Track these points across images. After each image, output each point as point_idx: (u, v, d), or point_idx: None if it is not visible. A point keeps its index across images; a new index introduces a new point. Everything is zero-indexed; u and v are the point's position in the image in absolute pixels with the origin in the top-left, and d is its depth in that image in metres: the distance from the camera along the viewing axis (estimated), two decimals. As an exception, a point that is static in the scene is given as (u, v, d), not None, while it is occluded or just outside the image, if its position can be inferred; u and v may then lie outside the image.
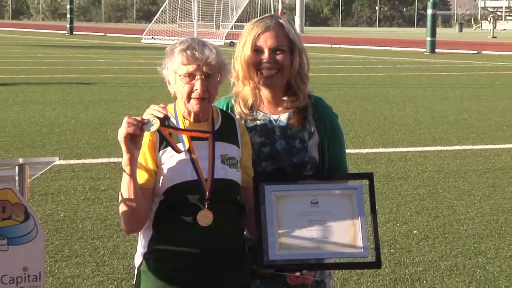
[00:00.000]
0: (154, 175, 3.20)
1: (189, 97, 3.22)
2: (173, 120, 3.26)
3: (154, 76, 15.99)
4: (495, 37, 71.78)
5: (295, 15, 72.31)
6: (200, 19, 49.56)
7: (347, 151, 3.75)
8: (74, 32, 64.76)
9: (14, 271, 3.02)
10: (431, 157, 11.24)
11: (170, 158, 3.20)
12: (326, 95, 16.23)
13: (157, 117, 3.11)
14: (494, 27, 77.31)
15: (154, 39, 50.12)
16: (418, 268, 6.34)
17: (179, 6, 51.65)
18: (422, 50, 43.82)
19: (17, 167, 3.09)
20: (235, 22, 49.82)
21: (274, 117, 3.51)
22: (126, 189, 3.13)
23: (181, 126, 3.25)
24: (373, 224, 3.27)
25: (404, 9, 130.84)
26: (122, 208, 3.17)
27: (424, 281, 6.06)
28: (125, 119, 3.06)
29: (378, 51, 45.24)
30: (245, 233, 3.38)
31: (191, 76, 3.20)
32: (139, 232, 3.29)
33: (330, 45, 50.63)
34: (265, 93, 3.52)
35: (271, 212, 3.21)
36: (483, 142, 12.67)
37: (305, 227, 3.21)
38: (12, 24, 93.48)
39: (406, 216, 7.94)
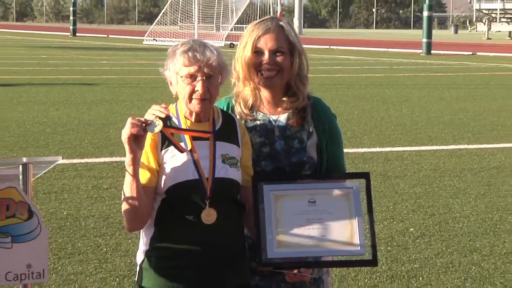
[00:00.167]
0: (156, 174, 3.20)
1: (190, 98, 3.22)
2: (174, 120, 3.26)
3: (155, 77, 16.00)
4: (490, 38, 71.79)
5: (293, 17, 72.25)
6: (201, 21, 49.55)
7: (345, 150, 3.75)
8: (77, 34, 64.76)
9: (18, 268, 3.02)
10: (427, 156, 11.24)
11: (172, 158, 3.20)
12: (325, 96, 16.21)
13: (160, 118, 3.11)
14: (489, 29, 77.31)
15: (156, 40, 50.12)
16: (415, 265, 6.34)
17: (180, 8, 51.66)
18: (418, 51, 43.81)
19: (21, 166, 3.09)
20: (235, 24, 49.80)
21: (273, 117, 3.51)
22: (128, 188, 3.13)
23: (183, 126, 3.25)
24: (370, 223, 3.27)
25: (401, 11, 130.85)
26: (125, 207, 3.17)
27: (420, 278, 6.06)
28: (129, 120, 3.06)
29: (375, 53, 45.23)
30: (244, 231, 3.38)
31: (192, 77, 3.21)
32: (141, 230, 3.29)
33: (328, 47, 50.61)
34: (265, 93, 3.52)
35: (269, 211, 3.21)
36: (478, 142, 12.67)
37: (303, 225, 3.21)
38: (16, 26, 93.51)
39: (403, 214, 7.94)
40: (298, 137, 3.49)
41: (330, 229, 3.22)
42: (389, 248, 6.78)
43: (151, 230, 3.25)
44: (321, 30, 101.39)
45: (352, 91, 21.32)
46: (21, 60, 31.89)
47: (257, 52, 3.44)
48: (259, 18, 3.61)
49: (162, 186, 3.20)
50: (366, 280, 5.98)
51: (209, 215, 3.18)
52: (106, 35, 67.19)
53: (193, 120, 3.27)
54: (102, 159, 10.53)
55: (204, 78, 3.20)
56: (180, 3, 51.71)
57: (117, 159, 10.36)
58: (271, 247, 3.18)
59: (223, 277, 3.24)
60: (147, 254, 3.27)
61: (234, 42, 41.08)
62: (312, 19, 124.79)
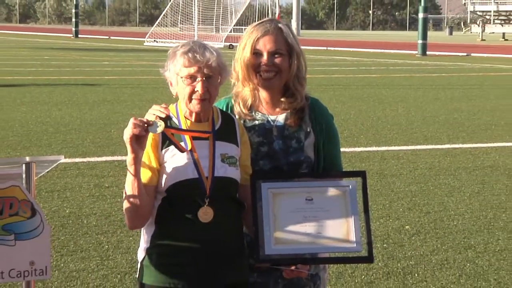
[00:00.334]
0: (157, 174, 3.21)
1: (190, 98, 3.22)
2: (175, 120, 3.26)
3: (156, 78, 15.99)
4: (484, 40, 71.82)
5: (291, 18, 72.25)
6: (201, 22, 49.55)
7: (342, 149, 3.75)
8: (79, 35, 64.76)
9: (21, 265, 3.02)
10: (423, 155, 11.24)
11: (172, 157, 3.20)
12: (322, 96, 16.23)
13: (160, 118, 3.11)
14: (483, 30, 77.35)
15: (156, 42, 50.11)
16: (410, 262, 6.35)
17: (180, 10, 51.66)
18: (414, 52, 43.82)
19: (24, 165, 3.09)
20: (234, 26, 49.79)
21: (272, 117, 3.52)
22: (130, 187, 3.13)
23: (183, 126, 3.25)
24: (366, 220, 3.27)
25: (397, 13, 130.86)
26: (126, 205, 3.17)
27: (416, 275, 6.06)
28: (131, 120, 3.06)
29: (371, 54, 45.23)
30: (243, 229, 3.38)
31: (192, 77, 3.21)
32: (142, 228, 3.29)
33: (325, 48, 50.61)
34: (263, 94, 3.52)
35: (267, 209, 3.21)
36: (472, 141, 12.68)
37: (300, 222, 3.21)
38: (19, 27, 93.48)
39: (399, 212, 7.94)
40: (296, 137, 3.49)
41: (327, 226, 3.22)
42: (385, 245, 6.79)
43: (151, 228, 3.26)
44: (318, 32, 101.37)
45: (349, 91, 21.32)
46: (24, 61, 31.88)
47: (256, 53, 3.44)
48: (258, 20, 3.61)
49: (162, 185, 3.20)
50: (363, 276, 5.98)
51: (206, 213, 3.19)
52: (107, 37, 67.16)
53: (193, 120, 3.27)
54: (103, 158, 10.53)
55: (203, 78, 3.20)
56: (181, 5, 51.72)
57: (119, 158, 10.36)
58: (269, 244, 3.18)
59: (222, 274, 3.24)
60: (148, 251, 3.27)
61: (233, 44, 41.06)
62: (309, 21, 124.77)
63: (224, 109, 3.49)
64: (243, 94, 3.51)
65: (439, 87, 22.90)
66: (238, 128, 3.36)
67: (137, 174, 3.11)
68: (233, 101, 3.54)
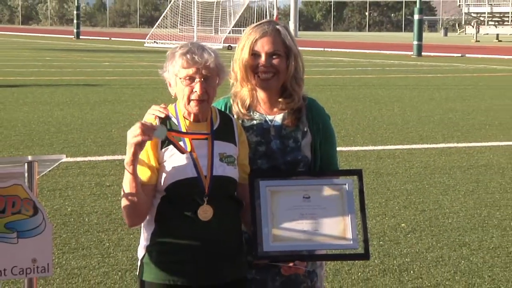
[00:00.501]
0: (156, 173, 3.21)
1: (189, 99, 3.22)
2: (174, 120, 3.27)
3: (156, 78, 15.98)
4: (478, 41, 71.80)
5: (289, 20, 72.21)
6: (200, 24, 49.48)
7: (339, 148, 3.76)
8: (80, 37, 64.67)
9: (23, 262, 3.02)
10: (418, 154, 11.25)
11: (171, 156, 3.20)
12: (319, 96, 16.25)
13: (160, 118, 3.11)
14: (477, 32, 77.29)
15: (156, 43, 50.07)
16: (406, 259, 6.35)
17: (180, 12, 51.61)
18: (409, 53, 43.80)
19: (26, 164, 3.09)
20: (232, 27, 49.76)
21: (269, 117, 3.52)
22: (128, 186, 3.13)
23: (182, 126, 3.25)
24: (362, 218, 3.28)
25: (392, 14, 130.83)
26: (124, 203, 3.17)
27: (412, 272, 6.06)
28: (138, 125, 3.05)
29: (368, 54, 45.23)
30: (242, 227, 3.38)
31: (191, 78, 3.21)
32: (142, 226, 3.30)
33: (322, 49, 50.58)
34: (261, 94, 3.52)
35: (265, 206, 3.22)
36: (467, 140, 12.68)
37: (297, 220, 3.22)
38: (21, 29, 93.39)
39: (394, 210, 7.94)
40: (293, 136, 3.50)
41: (324, 223, 3.22)
42: (381, 243, 6.79)
43: (151, 226, 3.26)
44: (315, 33, 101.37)
45: (346, 91, 21.32)
46: (26, 62, 31.86)
47: (254, 54, 3.44)
48: (256, 22, 3.61)
49: (162, 183, 3.20)
50: (359, 273, 5.98)
51: (205, 212, 3.19)
52: (108, 38, 67.09)
53: (191, 120, 3.27)
54: (104, 157, 10.53)
55: (202, 79, 3.20)
56: (180, 7, 51.68)
57: (119, 157, 10.35)
58: (267, 241, 3.19)
59: (221, 271, 3.24)
60: (148, 249, 3.27)
61: (232, 45, 41.02)
62: (307, 22, 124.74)
63: (223, 109, 3.49)
64: (241, 94, 3.52)
65: (434, 88, 22.90)
66: (236, 128, 3.36)
67: (134, 173, 3.11)
68: (231, 101, 3.54)
